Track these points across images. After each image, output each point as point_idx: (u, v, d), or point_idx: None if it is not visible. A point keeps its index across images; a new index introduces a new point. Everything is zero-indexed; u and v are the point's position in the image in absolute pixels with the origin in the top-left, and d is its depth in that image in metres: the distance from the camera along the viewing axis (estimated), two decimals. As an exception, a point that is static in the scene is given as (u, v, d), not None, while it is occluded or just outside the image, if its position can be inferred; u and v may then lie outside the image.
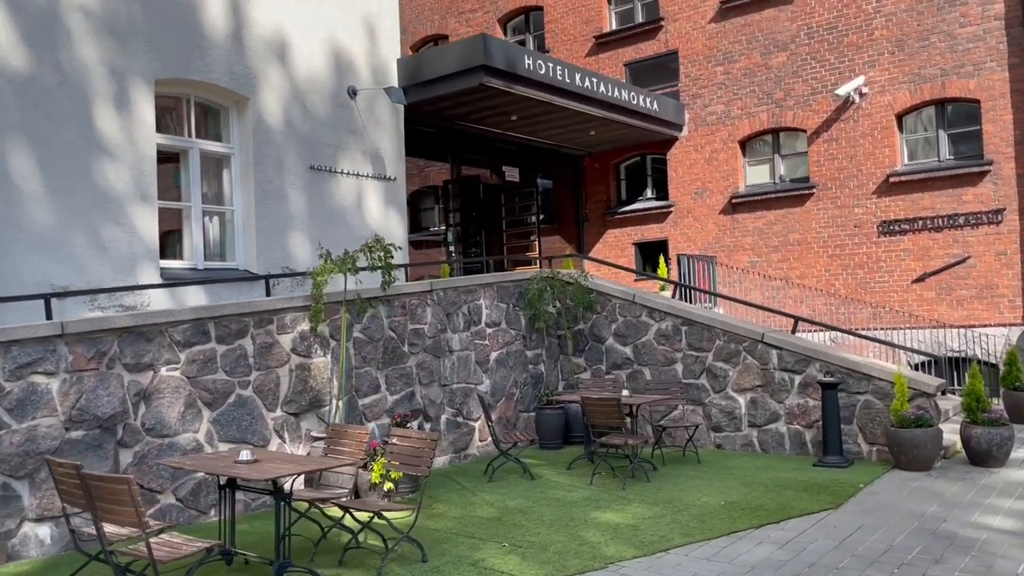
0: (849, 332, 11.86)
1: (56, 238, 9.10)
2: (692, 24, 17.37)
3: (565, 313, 12.08)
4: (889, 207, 15.05)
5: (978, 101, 14.19)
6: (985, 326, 13.99)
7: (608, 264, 14.13)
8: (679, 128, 17.45)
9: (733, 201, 16.76)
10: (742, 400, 10.76)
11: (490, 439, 10.99)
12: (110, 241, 9.54)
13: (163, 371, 7.66)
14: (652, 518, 7.47)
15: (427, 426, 10.15)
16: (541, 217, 19.07)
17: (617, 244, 18.56)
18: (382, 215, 12.90)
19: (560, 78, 13.81)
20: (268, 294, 9.24)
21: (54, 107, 9.18)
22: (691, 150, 17.45)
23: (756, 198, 16.50)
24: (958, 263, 14.28)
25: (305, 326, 8.86)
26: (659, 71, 17.95)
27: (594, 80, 14.64)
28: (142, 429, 7.47)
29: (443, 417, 10.39)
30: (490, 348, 11.23)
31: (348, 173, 12.40)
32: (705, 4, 17.15)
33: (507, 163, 17.58)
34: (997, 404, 10.61)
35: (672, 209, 17.63)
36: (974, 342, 13.86)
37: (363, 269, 8.89)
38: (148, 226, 9.95)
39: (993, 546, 6.37)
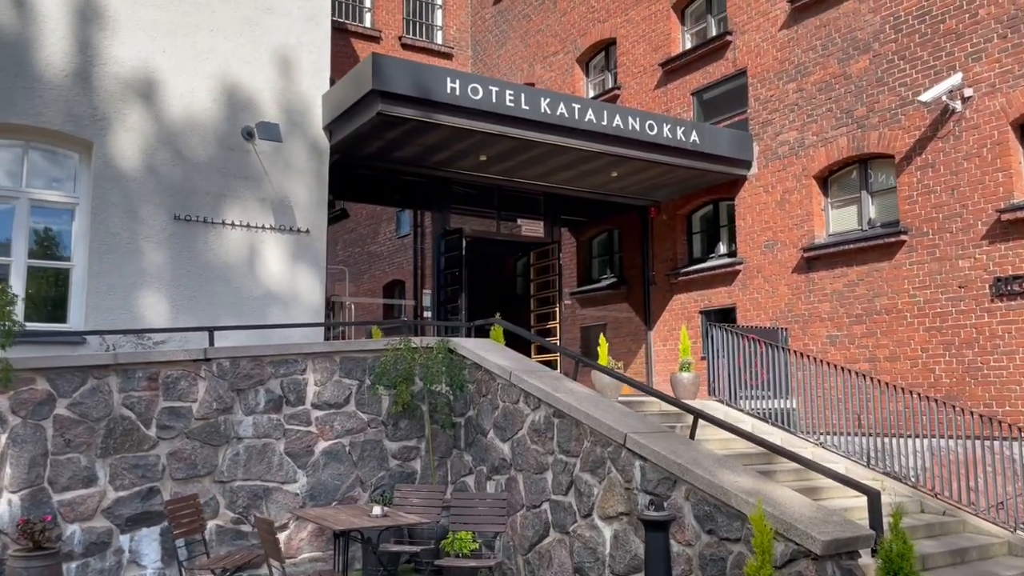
0: (737, 433, 7.67)
1: None
2: (762, 34, 13.71)
3: (442, 397, 9.27)
4: (1006, 257, 10.23)
5: None
6: None
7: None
8: (746, 165, 13.71)
9: (807, 255, 12.62)
10: (608, 533, 7.24)
11: (305, 554, 8.51)
12: None
13: None
14: None
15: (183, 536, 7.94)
16: (616, 281, 16.06)
17: (684, 312, 14.93)
18: (287, 273, 11.07)
19: (511, 104, 11.17)
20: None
21: None
22: (761, 191, 13.60)
23: (834, 250, 12.24)
24: (1110, 340, 9.17)
25: (-33, 398, 7.23)
26: (729, 98, 14.40)
27: (575, 106, 11.76)
28: None
29: (211, 524, 8.11)
30: (318, 436, 8.79)
31: (236, 224, 10.78)
32: (775, 8, 13.47)
33: (526, 215, 14.93)
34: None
35: (741, 267, 13.77)
36: None
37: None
38: (-67, 281, 9.04)
39: None
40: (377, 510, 6.82)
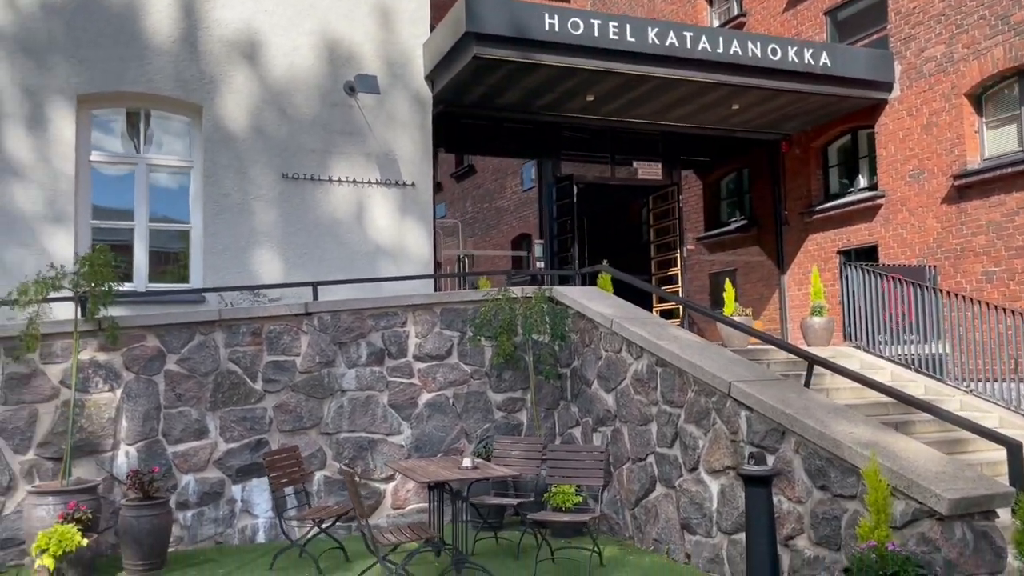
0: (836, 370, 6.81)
1: (-46, 261, 9.11)
2: (902, -61, 12.30)
3: (546, 347, 8.94)
4: None
5: None
6: None
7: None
8: (887, 87, 12.43)
9: (958, 183, 11.33)
10: (714, 487, 6.74)
11: (412, 505, 8.53)
12: (13, 264, 9.27)
13: None
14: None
15: (291, 487, 8.08)
16: (745, 223, 15.16)
17: (820, 253, 13.87)
18: (395, 227, 11.02)
19: (615, 37, 10.52)
20: (83, 315, 8.06)
21: (-40, 132, 9.27)
22: (904, 116, 12.30)
23: (990, 176, 10.92)
24: None
25: (84, 355, 7.55)
26: (866, 15, 13.08)
27: (686, 35, 10.94)
28: None
29: (319, 475, 8.21)
30: (421, 388, 8.70)
31: (343, 180, 10.80)
32: (917, -93, 12.03)
33: (643, 157, 14.20)
34: None
35: (883, 201, 12.58)
36: None
37: (56, 300, 7.26)
38: (62, 247, 9.53)
39: None
40: (467, 462, 6.61)
